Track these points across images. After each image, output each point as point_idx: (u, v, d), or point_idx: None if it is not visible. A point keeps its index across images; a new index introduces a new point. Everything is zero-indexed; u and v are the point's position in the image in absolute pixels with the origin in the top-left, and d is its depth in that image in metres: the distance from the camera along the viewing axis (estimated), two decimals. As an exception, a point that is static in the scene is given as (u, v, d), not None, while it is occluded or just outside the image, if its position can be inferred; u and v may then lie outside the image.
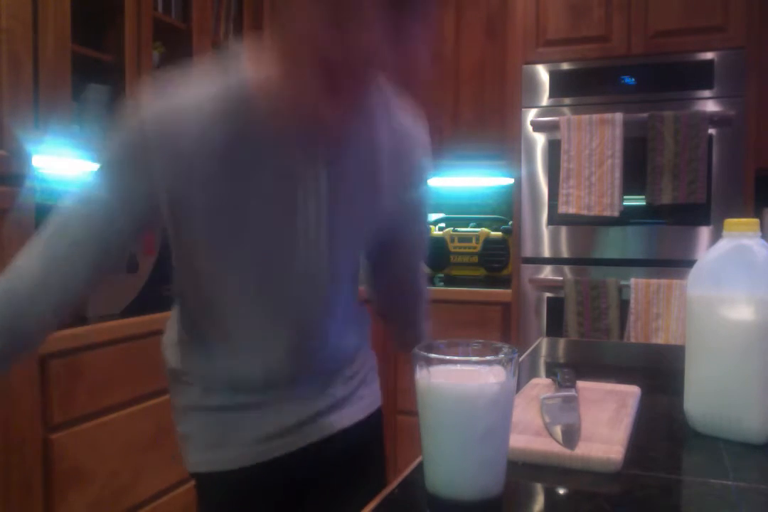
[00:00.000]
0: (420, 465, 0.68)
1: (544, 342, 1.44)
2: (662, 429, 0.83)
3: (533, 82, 2.44)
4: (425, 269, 1.12)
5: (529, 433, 0.74)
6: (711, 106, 2.26)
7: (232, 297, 0.85)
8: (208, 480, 0.93)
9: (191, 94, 0.74)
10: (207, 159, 0.74)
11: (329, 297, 0.90)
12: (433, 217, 3.04)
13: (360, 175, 0.85)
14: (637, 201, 2.33)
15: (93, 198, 0.76)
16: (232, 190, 0.76)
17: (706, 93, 2.27)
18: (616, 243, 2.37)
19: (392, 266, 1.03)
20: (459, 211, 3.10)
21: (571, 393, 0.88)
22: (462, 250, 2.80)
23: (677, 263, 2.29)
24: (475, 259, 2.78)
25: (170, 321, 0.99)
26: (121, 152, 0.76)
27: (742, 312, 0.76)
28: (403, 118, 0.90)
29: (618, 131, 2.28)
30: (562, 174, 2.35)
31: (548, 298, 2.43)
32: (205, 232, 0.79)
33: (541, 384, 0.96)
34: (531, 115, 2.45)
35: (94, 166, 0.78)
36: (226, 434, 0.90)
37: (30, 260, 0.75)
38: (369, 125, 0.84)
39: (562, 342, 1.58)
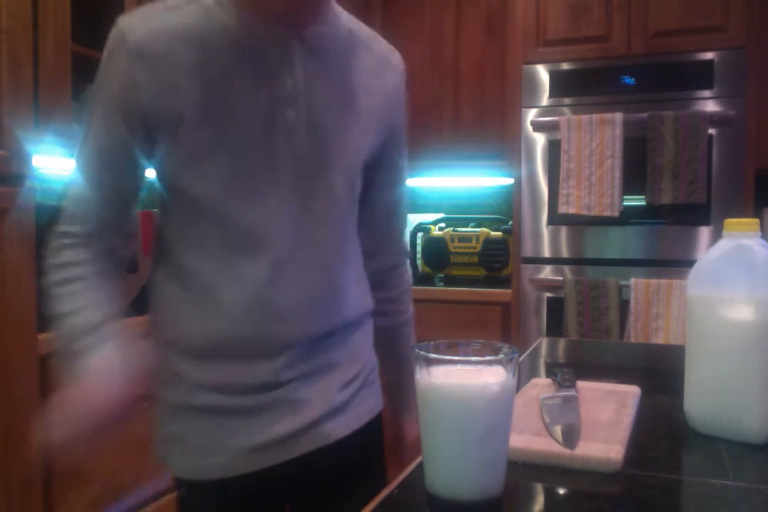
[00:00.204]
0: (420, 465, 0.68)
1: (544, 342, 1.44)
2: (662, 429, 0.83)
3: (533, 82, 2.44)
4: (406, 239, 1.11)
5: (529, 433, 0.74)
6: (711, 106, 2.26)
7: (204, 218, 0.83)
8: (193, 488, 0.88)
9: (167, 7, 0.81)
10: (186, 61, 0.78)
11: (311, 216, 0.85)
12: (433, 217, 3.04)
13: (338, 83, 0.87)
14: (637, 201, 2.33)
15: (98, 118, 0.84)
16: (211, 91, 0.79)
17: (706, 93, 2.27)
18: (616, 243, 2.37)
19: (369, 219, 0.99)
20: (459, 211, 3.10)
21: (571, 393, 0.88)
22: (462, 250, 2.80)
23: (677, 263, 2.29)
24: (475, 259, 2.78)
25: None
26: (107, 69, 0.82)
27: (742, 312, 0.76)
28: (381, 46, 0.96)
29: (618, 131, 2.28)
30: (562, 174, 2.35)
31: (548, 298, 2.43)
32: (187, 138, 0.80)
33: (541, 384, 0.96)
34: (531, 115, 2.45)
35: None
36: (215, 439, 0.86)
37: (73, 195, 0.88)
38: (344, 37, 0.89)
39: (562, 342, 1.58)
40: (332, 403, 0.90)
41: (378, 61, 0.94)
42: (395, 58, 0.97)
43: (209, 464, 0.86)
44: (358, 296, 0.95)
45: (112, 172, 0.85)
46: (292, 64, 0.82)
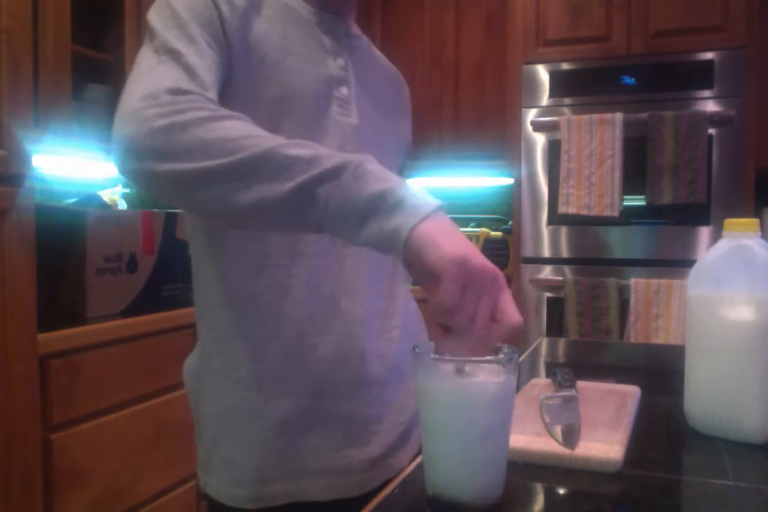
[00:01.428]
0: (420, 465, 0.68)
1: (544, 342, 1.43)
2: (662, 429, 0.83)
3: (533, 82, 2.44)
4: None
5: (529, 433, 0.74)
6: (711, 106, 2.26)
7: None
8: None
9: None
10: (256, 20, 0.79)
11: None
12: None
13: (373, 77, 0.92)
14: (637, 201, 2.33)
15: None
16: (276, 54, 0.79)
17: (706, 93, 2.27)
18: (616, 243, 2.37)
19: None
20: (459, 211, 3.10)
21: (571, 393, 0.88)
22: (462, 250, 2.79)
23: (677, 263, 2.29)
24: (475, 259, 2.77)
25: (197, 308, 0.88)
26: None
27: (742, 312, 0.76)
28: (390, 63, 1.02)
29: (618, 131, 2.28)
30: (562, 174, 2.35)
31: (548, 298, 2.43)
32: (250, 93, 0.78)
33: (541, 384, 0.96)
34: (531, 115, 2.45)
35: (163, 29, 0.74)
36: (283, 460, 0.80)
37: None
38: (368, 44, 0.94)
39: (562, 342, 1.58)
40: (403, 427, 0.87)
41: (393, 72, 1.00)
42: (401, 77, 1.04)
43: (273, 491, 0.80)
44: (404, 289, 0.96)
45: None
46: (341, 50, 0.86)
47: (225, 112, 0.66)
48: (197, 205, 0.67)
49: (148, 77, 0.68)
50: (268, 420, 0.80)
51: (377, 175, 0.60)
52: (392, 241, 0.58)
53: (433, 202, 0.60)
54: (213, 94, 0.70)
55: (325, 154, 0.62)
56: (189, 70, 0.69)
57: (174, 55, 0.70)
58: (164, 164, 0.63)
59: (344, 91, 0.84)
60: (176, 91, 0.66)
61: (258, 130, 0.64)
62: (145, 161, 0.64)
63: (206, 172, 0.62)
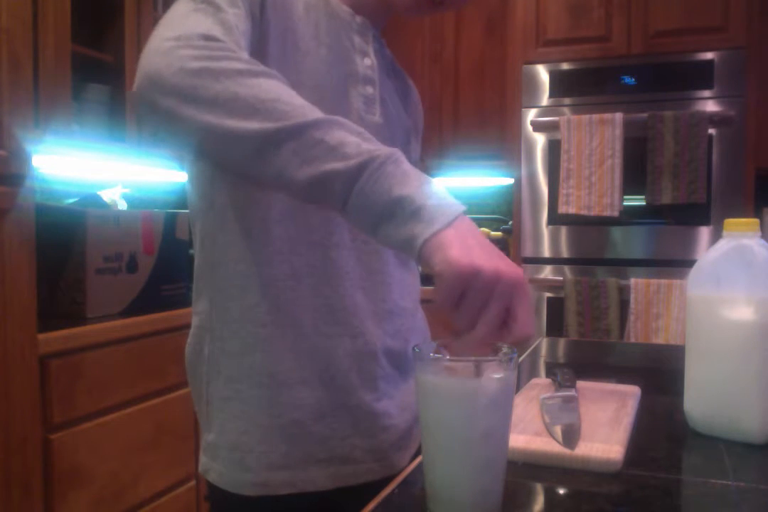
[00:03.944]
0: (420, 465, 0.68)
1: (544, 342, 1.43)
2: (662, 429, 0.83)
3: (533, 82, 2.44)
4: None
5: (529, 433, 0.74)
6: (711, 106, 2.26)
7: None
8: (257, 506, 0.79)
9: None
10: (294, 8, 0.79)
11: None
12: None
13: (396, 85, 0.93)
14: (637, 201, 2.33)
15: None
16: (303, 46, 0.79)
17: (706, 93, 2.27)
18: (616, 243, 2.37)
19: None
20: (459, 211, 3.10)
21: (571, 393, 0.88)
22: (462, 250, 2.79)
23: (677, 263, 2.29)
24: (475, 259, 2.77)
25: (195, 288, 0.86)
26: None
27: (742, 312, 0.76)
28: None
29: (618, 131, 2.28)
30: (562, 174, 2.35)
31: (548, 298, 2.43)
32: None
33: (541, 384, 0.96)
34: (531, 115, 2.45)
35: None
36: (292, 448, 0.79)
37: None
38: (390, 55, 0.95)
39: (562, 342, 1.57)
40: (406, 424, 0.87)
41: (414, 91, 1.01)
42: (419, 98, 1.04)
43: (280, 478, 0.79)
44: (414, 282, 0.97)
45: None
46: (369, 51, 0.87)
47: (261, 67, 0.63)
48: (214, 159, 0.65)
49: (182, 21, 0.66)
50: (281, 407, 0.79)
51: (399, 178, 0.58)
52: (407, 247, 0.58)
53: (454, 208, 0.58)
54: (245, 55, 0.66)
55: (351, 141, 0.59)
56: (226, 26, 0.67)
57: (213, 7, 0.68)
58: (186, 107, 0.60)
59: (370, 89, 0.85)
60: (210, 38, 0.63)
61: (290, 94, 0.62)
62: (168, 98, 0.61)
63: (227, 133, 0.60)
